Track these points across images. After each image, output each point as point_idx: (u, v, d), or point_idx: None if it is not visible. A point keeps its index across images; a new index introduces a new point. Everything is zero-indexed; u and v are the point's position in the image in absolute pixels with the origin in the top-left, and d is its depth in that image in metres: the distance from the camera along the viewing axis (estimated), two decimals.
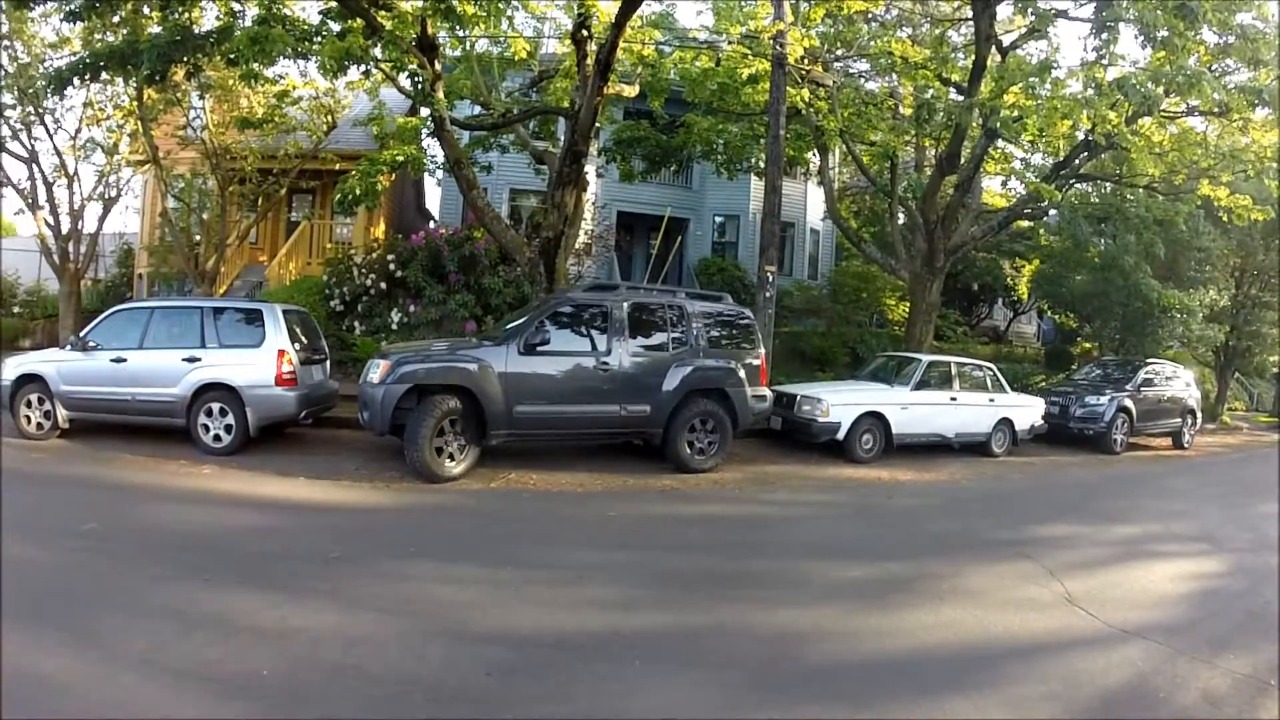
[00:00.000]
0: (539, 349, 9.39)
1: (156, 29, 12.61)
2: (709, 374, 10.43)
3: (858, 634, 5.07)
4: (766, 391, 11.25)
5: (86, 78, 12.17)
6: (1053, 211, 18.50)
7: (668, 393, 10.06)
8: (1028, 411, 13.99)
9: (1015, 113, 13.95)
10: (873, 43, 16.45)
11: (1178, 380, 16.87)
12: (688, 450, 10.25)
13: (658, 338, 10.34)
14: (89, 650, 4.26)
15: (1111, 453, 14.85)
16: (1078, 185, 19.76)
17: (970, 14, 15.12)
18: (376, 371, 9.05)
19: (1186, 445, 16.74)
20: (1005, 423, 13.51)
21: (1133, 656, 4.93)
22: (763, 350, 11.39)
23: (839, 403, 11.83)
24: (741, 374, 10.67)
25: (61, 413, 10.07)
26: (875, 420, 12.03)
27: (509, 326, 10.04)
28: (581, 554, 6.65)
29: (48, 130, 17.68)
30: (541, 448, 10.46)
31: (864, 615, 5.39)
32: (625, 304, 10.14)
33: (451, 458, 8.93)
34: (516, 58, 14.55)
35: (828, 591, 5.91)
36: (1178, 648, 5.09)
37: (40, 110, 17.18)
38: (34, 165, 17.53)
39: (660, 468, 10.22)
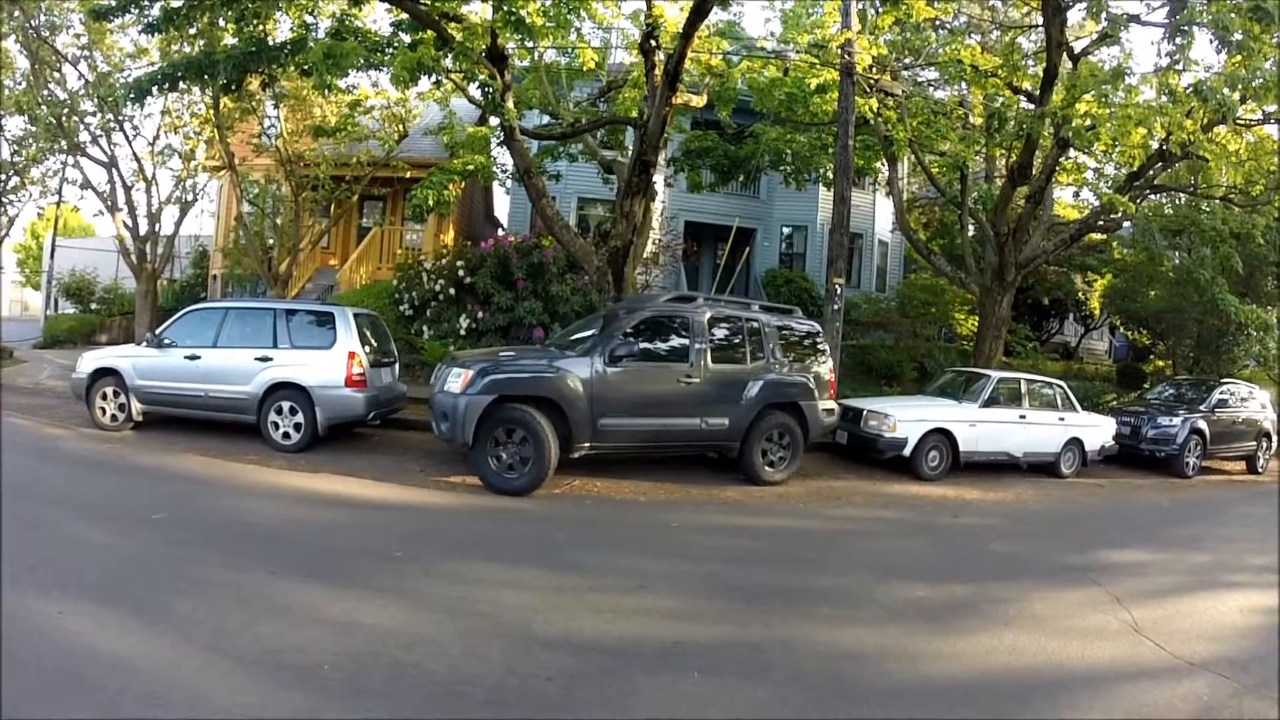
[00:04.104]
0: (624, 360, 9.27)
1: (232, 41, 13.02)
2: (785, 387, 10.45)
3: (920, 656, 5.04)
4: (834, 404, 11.25)
5: (165, 87, 12.49)
6: (1126, 224, 18.13)
7: (745, 405, 10.04)
8: (1098, 431, 13.65)
9: (1088, 121, 13.70)
10: (941, 50, 16.22)
11: (1253, 401, 16.31)
12: (763, 463, 10.25)
13: (735, 350, 10.33)
14: (159, 635, 4.45)
15: (1183, 476, 14.38)
16: (1152, 196, 19.35)
17: (1040, 20, 14.89)
18: (457, 381, 8.75)
19: (1261, 470, 16.15)
20: (1075, 443, 13.21)
21: (1199, 690, 4.83)
22: (831, 363, 11.38)
23: (906, 418, 11.71)
24: (814, 387, 10.69)
25: (136, 406, 10.48)
26: (942, 437, 11.87)
27: (585, 336, 10.04)
28: (645, 563, 6.70)
29: (126, 136, 18.41)
30: (606, 457, 10.49)
31: (927, 637, 5.37)
32: (705, 316, 10.10)
33: (511, 468, 8.70)
34: (585, 68, 14.66)
35: (891, 611, 5.89)
36: (1246, 683, 4.97)
37: (119, 117, 17.85)
38: (113, 169, 18.26)
39: (724, 479, 10.23)
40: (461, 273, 16.37)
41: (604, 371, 9.13)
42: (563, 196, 20.46)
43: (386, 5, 11.82)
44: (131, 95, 12.37)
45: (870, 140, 17.33)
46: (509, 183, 17.44)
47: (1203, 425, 14.74)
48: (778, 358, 10.53)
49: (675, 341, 9.96)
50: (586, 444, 9.11)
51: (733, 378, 10.11)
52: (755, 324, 10.57)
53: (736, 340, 10.40)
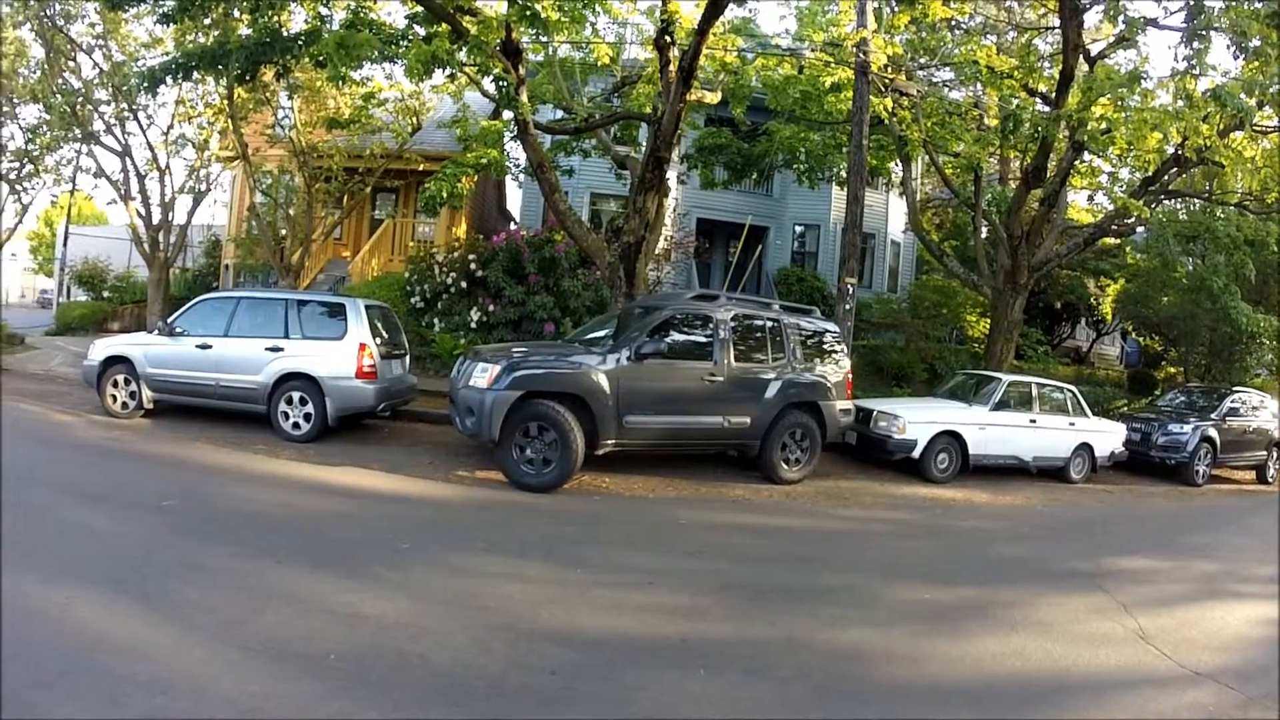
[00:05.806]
0: (650, 358, 9.23)
1: (246, 31, 13.01)
2: (805, 387, 10.49)
3: (925, 657, 5.03)
4: (850, 405, 11.28)
5: (179, 77, 12.46)
6: (1140, 229, 18.04)
7: (766, 404, 10.07)
8: (1108, 437, 13.59)
9: (1103, 125, 13.62)
10: (957, 51, 16.17)
11: (1265, 410, 16.18)
12: (783, 462, 10.27)
13: (757, 350, 10.34)
14: (166, 622, 4.45)
15: (1193, 484, 14.33)
16: (1166, 202, 19.25)
17: (1057, 22, 14.82)
18: (483, 377, 8.68)
19: (1271, 480, 16.06)
20: (1085, 448, 13.14)
21: (1204, 700, 4.80)
22: (848, 364, 11.39)
23: (916, 420, 11.66)
24: (831, 387, 10.74)
25: (146, 394, 10.50)
26: (952, 439, 11.82)
27: (606, 333, 10.09)
28: (651, 559, 6.70)
29: (140, 125, 18.55)
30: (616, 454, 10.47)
31: (932, 639, 5.35)
32: (728, 314, 10.12)
33: (531, 463, 8.63)
34: (599, 63, 14.63)
35: (897, 612, 5.88)
36: (1251, 694, 4.94)
37: (133, 106, 17.95)
38: (127, 158, 18.38)
39: (733, 477, 10.23)
40: (473, 266, 16.37)
41: (630, 368, 9.11)
42: (575, 191, 20.41)
43: None
44: (145, 84, 12.34)
45: (884, 140, 17.28)
46: (522, 177, 17.40)
47: (1213, 433, 14.67)
48: (797, 357, 10.56)
49: (699, 339, 9.95)
50: (611, 441, 9.08)
51: (754, 377, 10.13)
52: (776, 323, 10.57)
53: (758, 339, 10.40)
